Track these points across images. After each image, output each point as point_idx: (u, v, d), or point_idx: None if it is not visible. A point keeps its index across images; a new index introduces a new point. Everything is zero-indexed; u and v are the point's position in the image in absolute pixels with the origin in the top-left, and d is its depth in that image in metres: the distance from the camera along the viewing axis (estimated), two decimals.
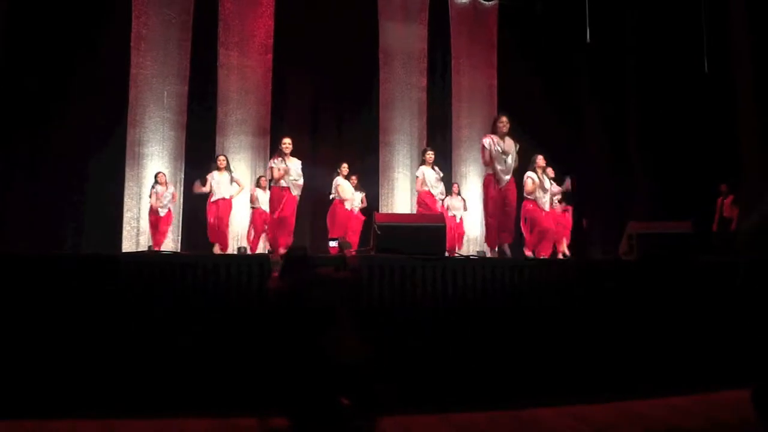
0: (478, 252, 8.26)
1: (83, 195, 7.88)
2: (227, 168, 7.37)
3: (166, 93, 8.31)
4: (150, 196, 7.52)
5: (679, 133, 9.17)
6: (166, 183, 7.51)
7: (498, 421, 4.10)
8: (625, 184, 9.63)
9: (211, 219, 7.30)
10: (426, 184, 7.07)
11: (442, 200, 7.49)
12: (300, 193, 6.54)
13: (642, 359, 4.84)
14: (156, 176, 7.53)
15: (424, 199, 7.09)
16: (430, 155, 7.21)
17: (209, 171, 7.35)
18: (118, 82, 8.06)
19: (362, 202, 8.00)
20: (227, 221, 7.44)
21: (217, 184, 7.27)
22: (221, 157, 7.42)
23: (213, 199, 7.27)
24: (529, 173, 6.76)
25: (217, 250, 7.30)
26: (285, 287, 3.41)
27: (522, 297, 4.73)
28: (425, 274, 4.59)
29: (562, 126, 9.42)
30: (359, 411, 3.15)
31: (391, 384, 3.18)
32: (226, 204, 7.34)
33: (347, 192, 7.64)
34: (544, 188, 6.80)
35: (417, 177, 7.21)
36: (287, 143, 6.44)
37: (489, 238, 6.45)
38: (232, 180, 7.38)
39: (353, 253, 4.37)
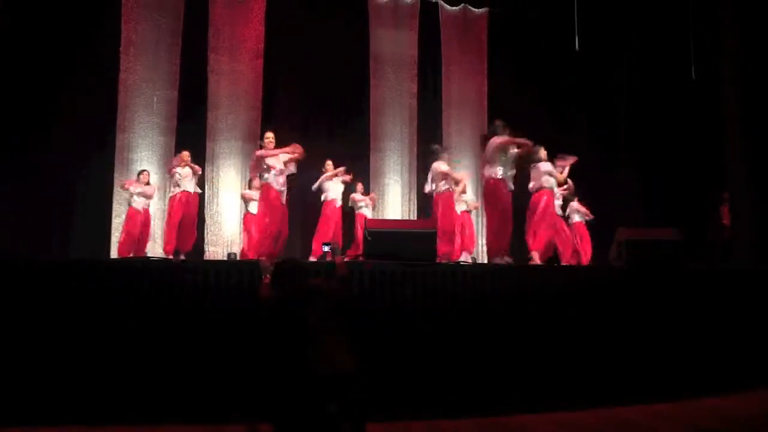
0: (470, 258, 8.26)
1: (72, 201, 7.84)
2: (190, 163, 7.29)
3: (155, 98, 8.28)
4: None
5: (667, 139, 9.25)
6: (148, 183, 7.35)
7: (486, 428, 4.12)
8: (615, 190, 9.68)
9: (176, 216, 7.10)
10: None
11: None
12: (286, 188, 6.19)
13: (628, 366, 4.87)
14: (139, 174, 7.37)
15: (440, 199, 6.81)
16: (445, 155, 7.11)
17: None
18: (107, 87, 8.03)
19: (371, 201, 8.10)
20: (194, 218, 7.34)
21: (181, 177, 7.18)
22: (185, 153, 7.33)
23: (177, 191, 7.16)
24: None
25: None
26: (275, 297, 3.41)
27: (510, 304, 4.75)
28: (415, 281, 4.60)
29: (552, 132, 9.48)
30: (346, 418, 3.15)
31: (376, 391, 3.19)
32: (192, 199, 7.23)
33: (330, 186, 7.63)
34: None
35: (439, 171, 6.82)
36: (269, 137, 6.16)
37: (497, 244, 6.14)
38: (194, 174, 7.30)
39: (343, 259, 4.38)
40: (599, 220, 8.65)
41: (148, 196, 7.35)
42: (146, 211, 7.30)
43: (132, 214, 7.18)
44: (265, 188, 6.06)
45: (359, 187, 8.06)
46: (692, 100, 8.99)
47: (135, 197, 7.19)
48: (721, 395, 4.90)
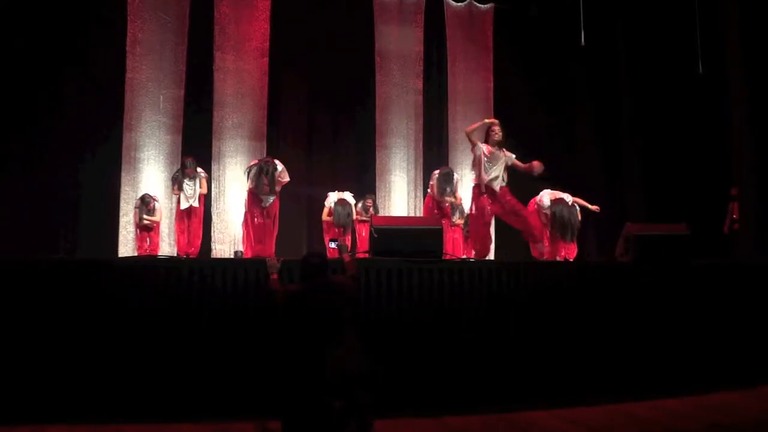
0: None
1: (79, 200, 7.87)
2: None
3: (162, 97, 8.30)
4: (135, 216, 7.36)
5: (673, 133, 9.19)
6: (154, 207, 7.36)
7: (493, 425, 4.12)
8: (621, 185, 9.65)
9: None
10: None
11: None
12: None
13: (636, 361, 4.86)
14: (143, 199, 7.34)
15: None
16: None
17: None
18: (113, 86, 8.05)
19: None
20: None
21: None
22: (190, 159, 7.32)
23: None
24: None
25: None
26: (296, 293, 3.40)
27: (517, 299, 4.74)
28: (422, 277, 4.60)
29: (557, 128, 9.47)
30: (354, 414, 3.16)
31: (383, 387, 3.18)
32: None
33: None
34: None
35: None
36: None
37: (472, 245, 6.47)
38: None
39: (351, 256, 4.37)
40: (603, 216, 8.61)
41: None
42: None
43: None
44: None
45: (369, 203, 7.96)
46: (698, 95, 8.93)
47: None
48: (730, 391, 4.88)
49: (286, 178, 6.80)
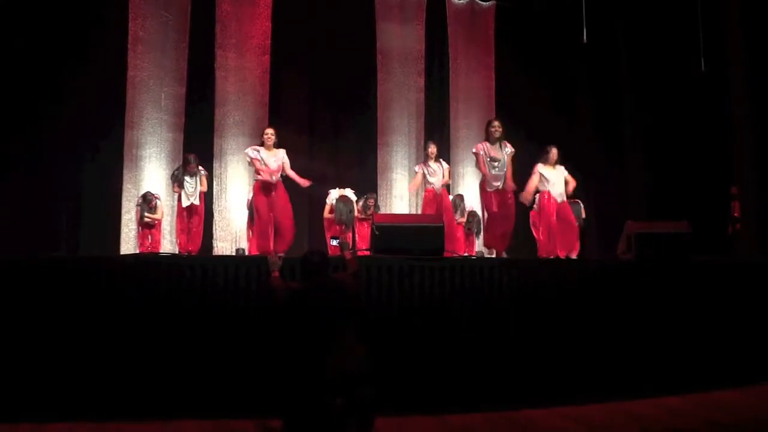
0: (477, 252, 8.26)
1: (80, 198, 7.88)
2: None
3: (163, 95, 8.30)
4: (137, 214, 7.39)
5: (675, 131, 9.18)
6: (156, 205, 7.37)
7: (494, 423, 4.12)
8: (621, 183, 9.63)
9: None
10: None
11: None
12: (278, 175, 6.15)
13: (637, 359, 4.86)
14: (145, 197, 7.35)
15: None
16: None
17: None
18: (115, 84, 8.06)
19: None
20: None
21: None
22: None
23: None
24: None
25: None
26: (297, 290, 3.40)
27: (519, 297, 4.74)
28: (423, 275, 4.60)
29: (558, 126, 9.44)
30: (355, 412, 3.16)
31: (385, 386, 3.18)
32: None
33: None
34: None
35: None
36: (269, 133, 6.08)
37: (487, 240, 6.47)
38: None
39: (353, 254, 4.37)
40: (605, 215, 8.61)
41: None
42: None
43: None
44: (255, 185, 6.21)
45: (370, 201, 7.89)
46: (700, 93, 8.92)
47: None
48: (731, 389, 4.88)
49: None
